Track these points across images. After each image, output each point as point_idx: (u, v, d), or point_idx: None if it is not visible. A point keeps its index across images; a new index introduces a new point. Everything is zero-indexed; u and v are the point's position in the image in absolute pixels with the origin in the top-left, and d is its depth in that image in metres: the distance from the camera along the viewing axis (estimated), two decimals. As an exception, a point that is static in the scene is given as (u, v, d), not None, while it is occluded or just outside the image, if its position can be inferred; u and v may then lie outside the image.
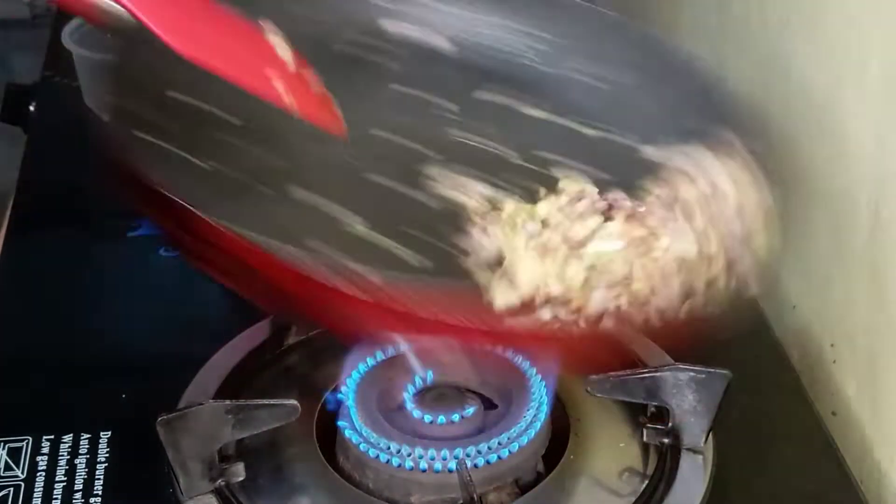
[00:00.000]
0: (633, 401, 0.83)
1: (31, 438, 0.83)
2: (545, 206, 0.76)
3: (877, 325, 0.90)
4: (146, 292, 1.01)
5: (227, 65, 0.76)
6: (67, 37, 1.19)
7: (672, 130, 0.82)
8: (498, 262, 0.72)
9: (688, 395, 0.80)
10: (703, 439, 0.82)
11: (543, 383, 0.82)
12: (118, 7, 0.70)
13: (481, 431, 0.80)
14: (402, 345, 0.81)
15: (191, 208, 0.61)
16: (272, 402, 0.77)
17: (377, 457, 0.78)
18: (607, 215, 0.75)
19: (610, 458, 0.83)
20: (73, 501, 0.79)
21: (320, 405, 0.84)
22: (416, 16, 0.89)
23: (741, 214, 0.76)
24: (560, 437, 0.83)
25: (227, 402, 0.75)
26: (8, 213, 1.09)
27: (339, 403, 0.82)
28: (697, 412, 0.81)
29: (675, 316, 0.69)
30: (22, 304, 0.98)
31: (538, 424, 0.80)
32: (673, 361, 0.82)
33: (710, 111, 0.82)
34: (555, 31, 0.90)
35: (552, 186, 0.78)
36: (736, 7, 1.20)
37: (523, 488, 0.80)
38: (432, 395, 0.82)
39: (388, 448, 0.78)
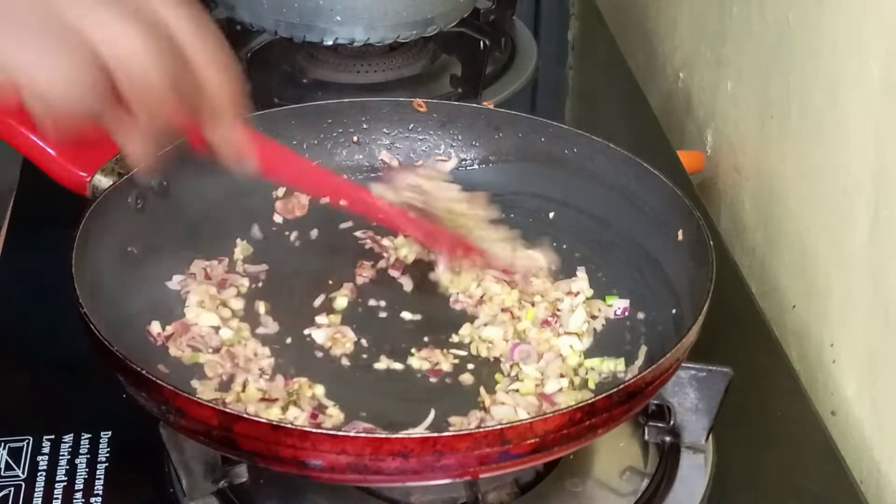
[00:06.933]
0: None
1: (31, 438, 0.83)
2: None
3: (877, 325, 0.90)
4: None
5: None
6: (67, 37, 1.19)
7: None
8: None
9: (689, 393, 0.80)
10: (705, 437, 0.82)
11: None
12: None
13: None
14: None
15: None
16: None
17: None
18: None
19: (610, 457, 0.83)
20: (74, 501, 0.79)
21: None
22: None
23: None
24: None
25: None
26: (8, 213, 1.09)
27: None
28: (699, 410, 0.81)
29: None
30: (22, 303, 0.98)
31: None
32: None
33: None
34: None
35: None
36: (736, 7, 1.20)
37: (523, 488, 0.80)
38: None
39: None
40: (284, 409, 0.79)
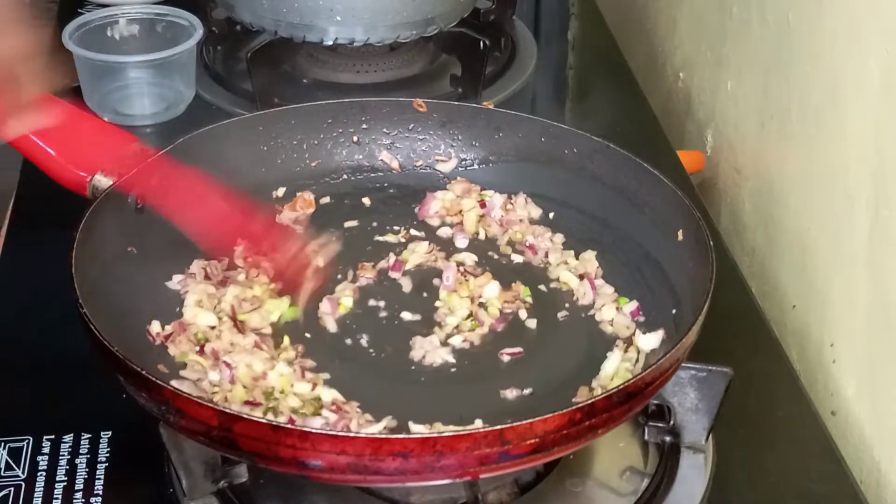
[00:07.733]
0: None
1: (31, 438, 0.84)
2: None
3: (877, 325, 0.90)
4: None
5: None
6: (68, 37, 1.19)
7: None
8: None
9: (689, 393, 0.80)
10: (705, 437, 0.82)
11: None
12: None
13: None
14: None
15: None
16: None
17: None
18: None
19: (610, 457, 0.83)
20: (74, 501, 0.79)
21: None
22: None
23: None
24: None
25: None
26: (8, 213, 1.09)
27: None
28: (699, 410, 0.81)
29: None
30: (22, 304, 0.98)
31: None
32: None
33: None
34: None
35: None
36: (736, 7, 1.20)
37: (523, 488, 0.80)
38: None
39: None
40: (265, 413, 0.78)
